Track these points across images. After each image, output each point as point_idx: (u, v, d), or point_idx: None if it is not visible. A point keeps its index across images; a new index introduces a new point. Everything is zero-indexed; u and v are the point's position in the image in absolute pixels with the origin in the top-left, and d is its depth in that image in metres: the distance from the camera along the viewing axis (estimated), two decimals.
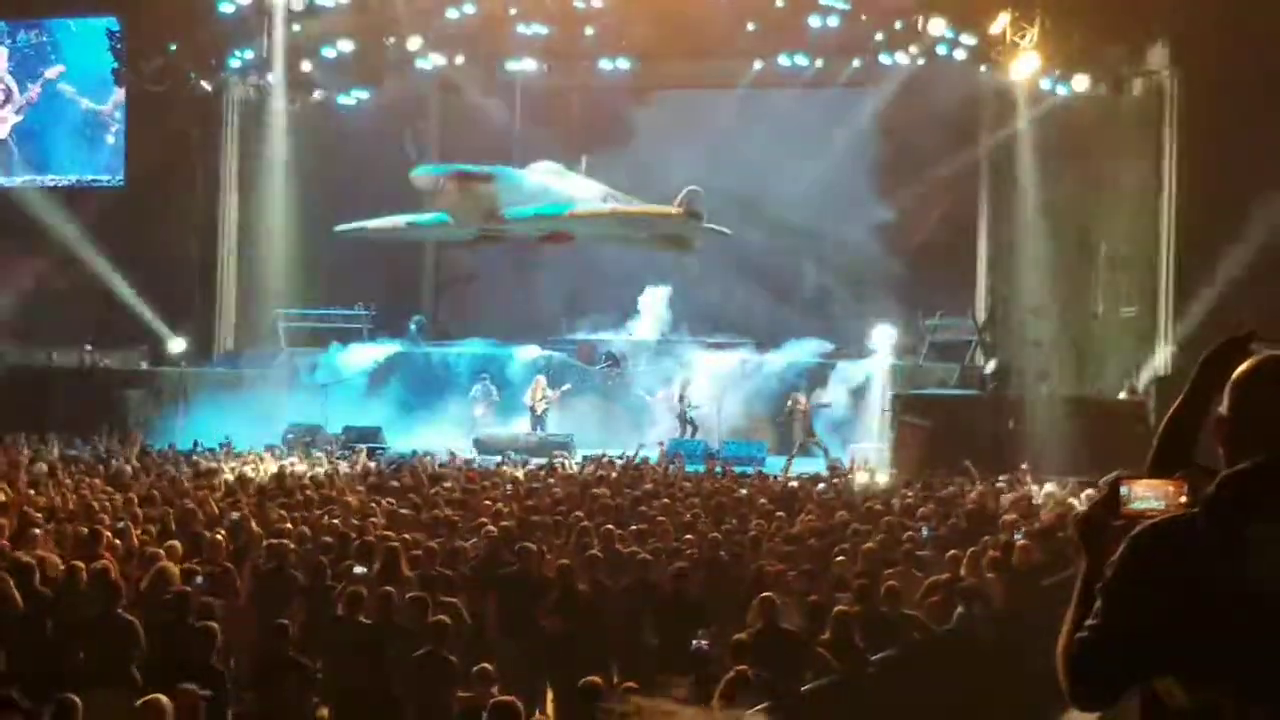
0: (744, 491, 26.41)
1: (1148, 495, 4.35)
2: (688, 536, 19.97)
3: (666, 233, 44.73)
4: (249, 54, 42.64)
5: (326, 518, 21.36)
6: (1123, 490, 4.36)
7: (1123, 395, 36.67)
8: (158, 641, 14.45)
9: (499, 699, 11.44)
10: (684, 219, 42.91)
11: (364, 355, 43.23)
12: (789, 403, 39.08)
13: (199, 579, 16.33)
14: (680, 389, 40.92)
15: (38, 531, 18.62)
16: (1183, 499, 4.30)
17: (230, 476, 27.16)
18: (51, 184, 44.79)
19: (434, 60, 43.14)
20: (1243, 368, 4.40)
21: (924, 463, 32.13)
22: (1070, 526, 4.58)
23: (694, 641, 14.86)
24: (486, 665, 13.24)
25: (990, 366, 38.63)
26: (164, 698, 11.80)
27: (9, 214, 43.34)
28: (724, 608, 16.70)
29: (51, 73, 45.44)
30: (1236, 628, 4.07)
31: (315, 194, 44.42)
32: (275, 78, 43.18)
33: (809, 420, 38.14)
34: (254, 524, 20.41)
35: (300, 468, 30.25)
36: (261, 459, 31.60)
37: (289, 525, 20.39)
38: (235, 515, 21.02)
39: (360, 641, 14.50)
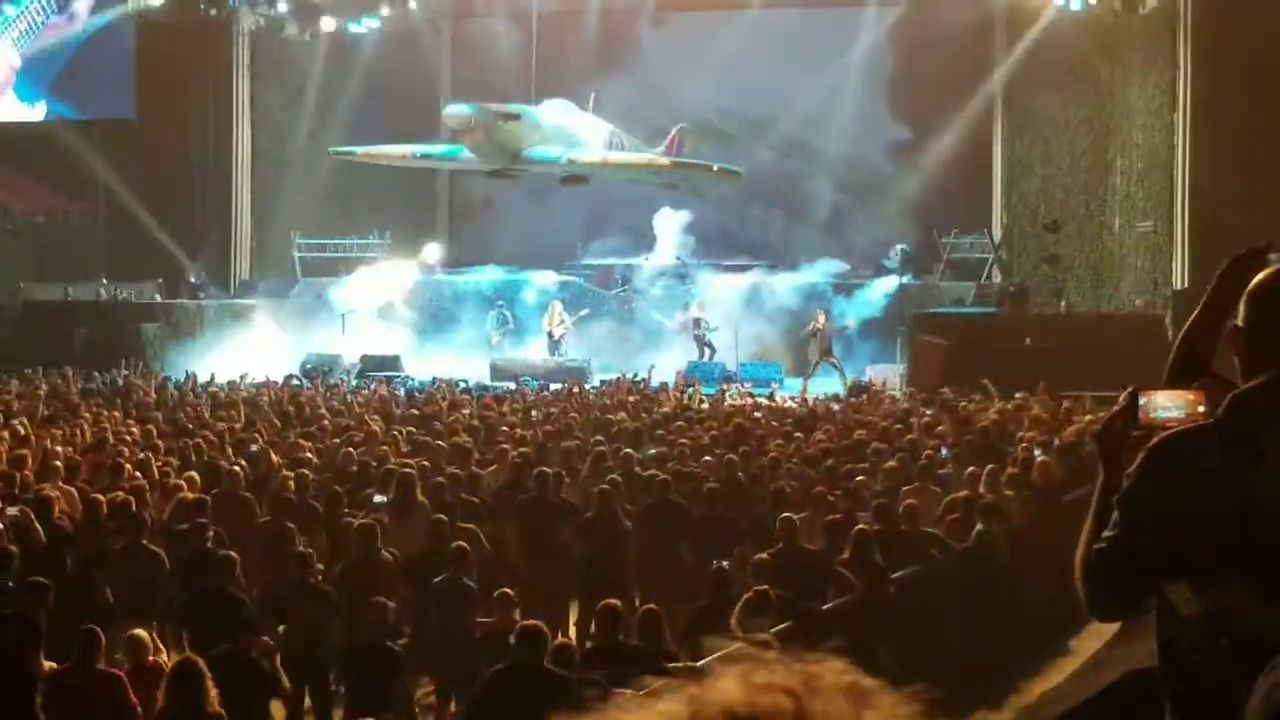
0: (759, 414, 26.45)
1: (1167, 405, 4.35)
2: (705, 459, 19.99)
3: (673, 181, 44.60)
4: None
5: (345, 446, 21.38)
6: (1141, 400, 4.35)
7: (1138, 308, 36.61)
8: (179, 572, 14.54)
9: (525, 623, 11.47)
10: (713, 173, 42.80)
11: (381, 284, 43.15)
12: (811, 323, 38.94)
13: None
14: (696, 312, 40.85)
15: (58, 464, 18.68)
16: (1201, 409, 4.29)
17: (244, 409, 27.17)
18: (63, 117, 44.62)
19: None
20: (1259, 278, 4.37)
21: (942, 381, 32.11)
22: (1089, 439, 4.58)
23: (715, 562, 14.91)
24: (508, 590, 13.27)
25: (1007, 283, 38.56)
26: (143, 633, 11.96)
27: (23, 147, 43.26)
28: (744, 529, 16.76)
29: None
30: (1249, 536, 4.08)
31: (328, 123, 44.35)
32: (285, 6, 43.06)
33: (827, 341, 38.03)
34: (273, 454, 20.47)
35: (318, 397, 30.30)
36: (279, 389, 31.63)
37: (308, 454, 20.46)
38: (254, 447, 21.08)
39: (378, 571, 14.56)
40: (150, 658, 11.86)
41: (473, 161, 43.06)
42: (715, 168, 43.02)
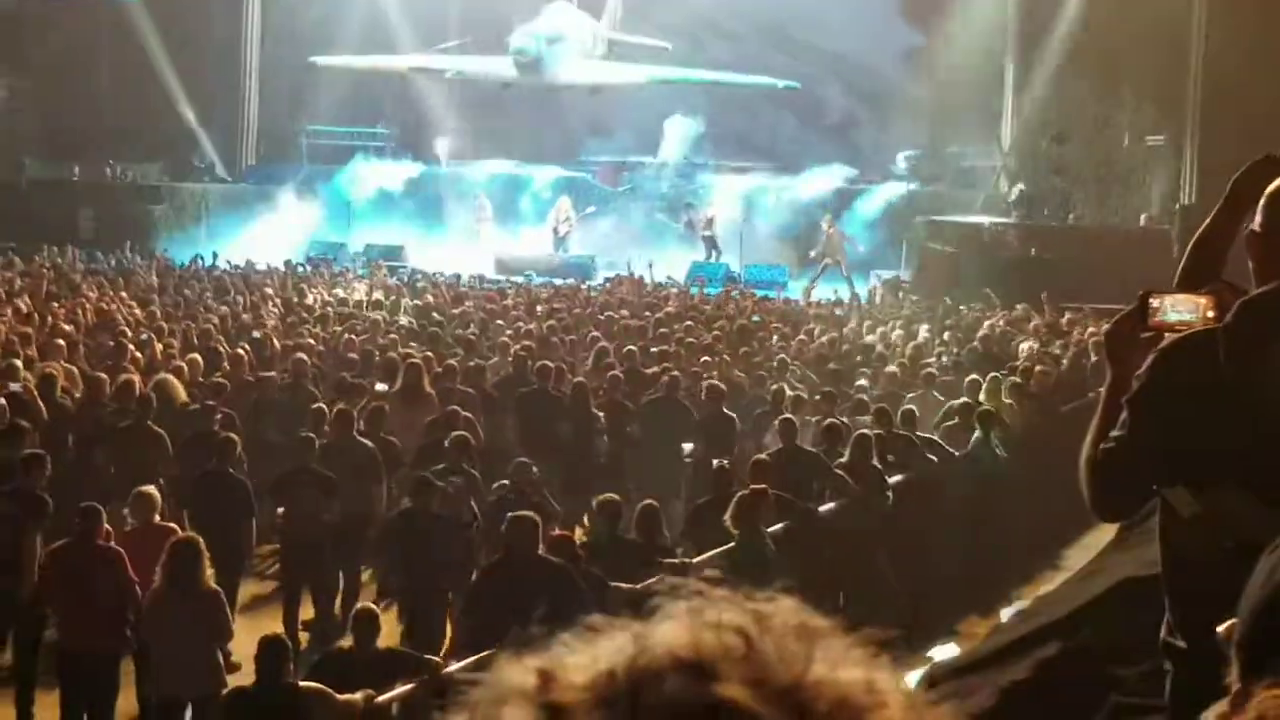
0: (757, 317, 26.46)
1: (1178, 308, 4.36)
2: (705, 359, 20.04)
3: None
4: None
5: (348, 335, 21.43)
6: (1153, 302, 4.36)
7: (1145, 223, 36.54)
8: (180, 453, 14.61)
9: (516, 513, 11.49)
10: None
11: (388, 174, 43.03)
12: (824, 225, 38.77)
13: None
14: (702, 212, 40.77)
15: (61, 343, 18.72)
16: (1212, 313, 4.30)
17: (247, 293, 27.18)
18: None
19: None
20: (1277, 183, 4.38)
21: (946, 289, 32.12)
22: (1100, 338, 4.60)
23: (714, 460, 14.97)
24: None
25: (1014, 193, 38.46)
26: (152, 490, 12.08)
27: (28, 28, 42.94)
28: (745, 428, 16.83)
29: None
30: (1254, 440, 4.11)
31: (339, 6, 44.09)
32: None
33: (835, 247, 37.88)
34: (275, 340, 20.52)
35: (323, 282, 30.33)
36: (283, 275, 31.62)
37: (310, 341, 20.52)
38: (257, 333, 21.13)
39: (380, 458, 14.64)
40: (156, 517, 11.97)
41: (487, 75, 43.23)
42: (780, 85, 43.05)
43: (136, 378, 16.28)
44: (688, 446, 15.91)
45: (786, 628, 1.27)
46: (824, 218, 38.57)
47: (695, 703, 1.21)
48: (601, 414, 16.74)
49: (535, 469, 14.03)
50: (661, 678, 1.23)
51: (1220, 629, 3.14)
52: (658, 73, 43.65)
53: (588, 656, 1.28)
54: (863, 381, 18.47)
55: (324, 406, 15.09)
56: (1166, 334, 4.33)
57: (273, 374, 17.72)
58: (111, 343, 18.97)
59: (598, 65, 42.56)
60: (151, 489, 12.16)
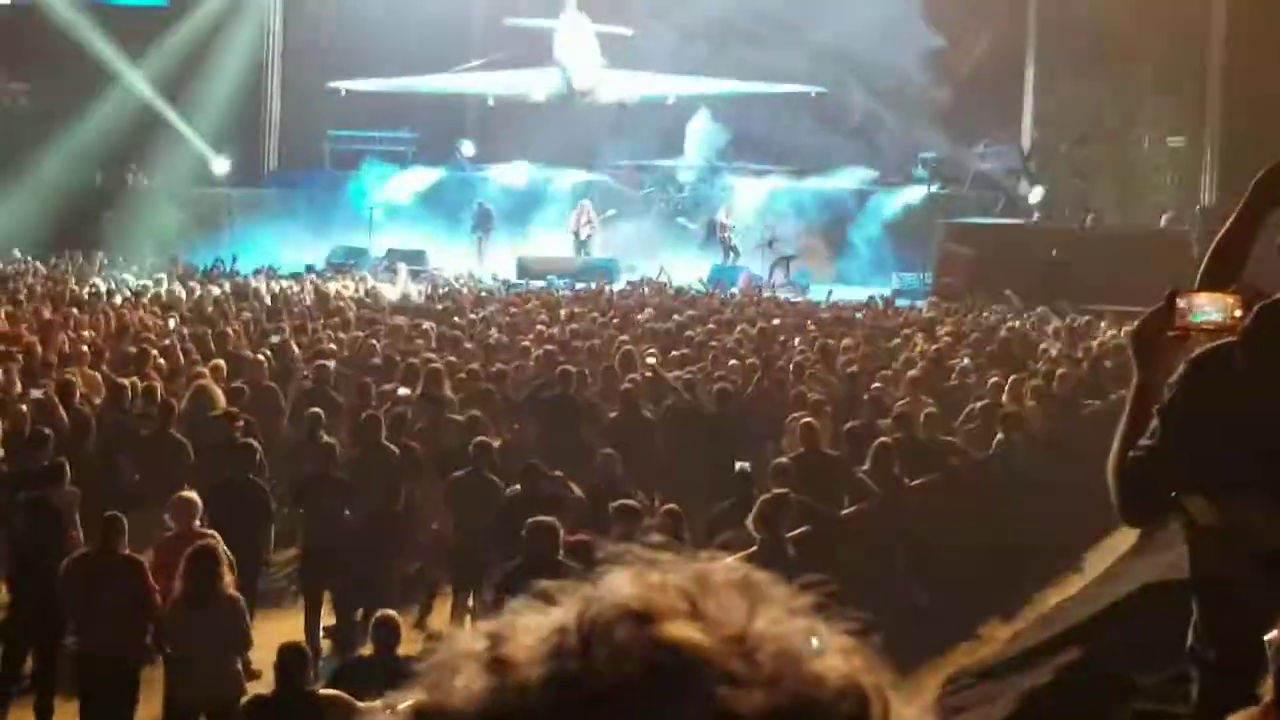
0: (777, 320, 26.44)
1: (1204, 307, 4.34)
2: (732, 362, 20.01)
3: None
4: None
5: (371, 339, 21.45)
6: (1180, 302, 4.34)
7: (1163, 225, 36.49)
8: (201, 459, 14.62)
9: (536, 519, 11.47)
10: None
11: (410, 179, 43.08)
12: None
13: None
14: (723, 215, 40.78)
15: (84, 349, 18.76)
16: (1239, 312, 4.29)
17: (269, 299, 27.23)
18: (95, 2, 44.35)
19: None
20: None
21: (967, 290, 32.13)
22: (1126, 339, 4.56)
23: (737, 463, 14.94)
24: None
25: (1035, 195, 38.45)
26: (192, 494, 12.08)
27: (52, 34, 43.04)
28: (767, 432, 16.81)
29: None
30: (1268, 446, 4.11)
31: (362, 12, 44.14)
32: None
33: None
34: (294, 346, 20.54)
35: (344, 289, 30.36)
36: (305, 280, 31.69)
37: (332, 346, 20.54)
38: (276, 338, 21.15)
39: (402, 462, 14.64)
40: (197, 522, 11.97)
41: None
42: (813, 92, 43.12)
43: (159, 383, 16.31)
44: (742, 464, 15.72)
45: (728, 584, 1.30)
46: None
47: (644, 645, 1.23)
48: (624, 418, 16.72)
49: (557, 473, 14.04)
50: (610, 627, 1.25)
51: (1268, 637, 3.14)
52: (689, 87, 43.59)
53: (538, 618, 1.30)
54: (882, 384, 18.42)
55: (327, 443, 14.95)
56: (1193, 334, 4.32)
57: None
58: (134, 349, 18.99)
59: (629, 79, 42.58)
60: (192, 494, 12.16)
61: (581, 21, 44.06)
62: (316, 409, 15.65)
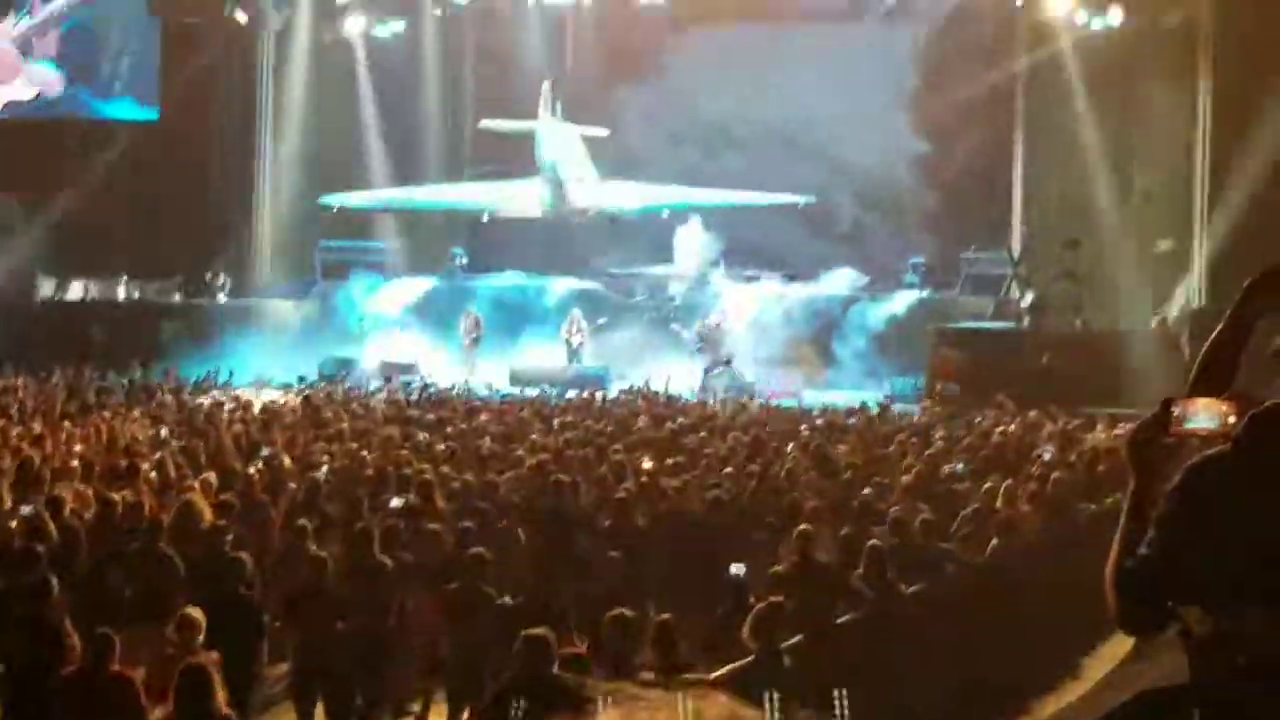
0: (770, 428, 26.45)
1: (1199, 414, 4.33)
2: (727, 470, 19.97)
3: None
4: None
5: (363, 451, 21.41)
6: (1174, 409, 4.34)
7: (1152, 328, 36.58)
8: (192, 575, 14.53)
9: (530, 631, 11.41)
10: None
11: (401, 289, 43.15)
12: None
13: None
14: (715, 321, 40.85)
15: (74, 464, 18.72)
16: (1232, 419, 4.28)
17: (260, 411, 27.20)
18: (87, 116, 44.62)
19: None
20: None
21: (960, 395, 32.20)
22: (1121, 446, 4.56)
23: (732, 569, 14.86)
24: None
25: (1027, 300, 38.55)
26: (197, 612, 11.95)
27: (45, 145, 43.29)
28: (761, 539, 16.74)
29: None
30: (1265, 558, 4.09)
31: (349, 127, 44.37)
32: (310, 8, 43.14)
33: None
34: (286, 459, 20.50)
35: (336, 399, 30.36)
36: (295, 391, 31.68)
37: (324, 459, 20.50)
38: (266, 451, 21.09)
39: (393, 576, 14.56)
40: (201, 638, 11.85)
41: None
42: (801, 202, 43.25)
43: (147, 499, 16.25)
44: (736, 568, 15.59)
45: None
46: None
47: None
48: (617, 528, 16.66)
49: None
50: None
51: None
52: (681, 196, 43.68)
53: None
54: (869, 490, 18.37)
55: (318, 556, 14.84)
56: (1190, 441, 4.31)
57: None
58: (125, 463, 18.94)
59: (623, 191, 42.70)
60: (196, 612, 12.04)
61: (563, 127, 44.27)
62: (306, 521, 15.60)
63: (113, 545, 15.11)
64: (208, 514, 16.08)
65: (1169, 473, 4.34)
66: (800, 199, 43.32)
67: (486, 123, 45.46)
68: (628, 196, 43.28)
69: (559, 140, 43.73)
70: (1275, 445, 4.17)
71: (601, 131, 44.23)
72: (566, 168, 42.25)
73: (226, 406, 27.57)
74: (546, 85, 45.31)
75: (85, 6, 45.07)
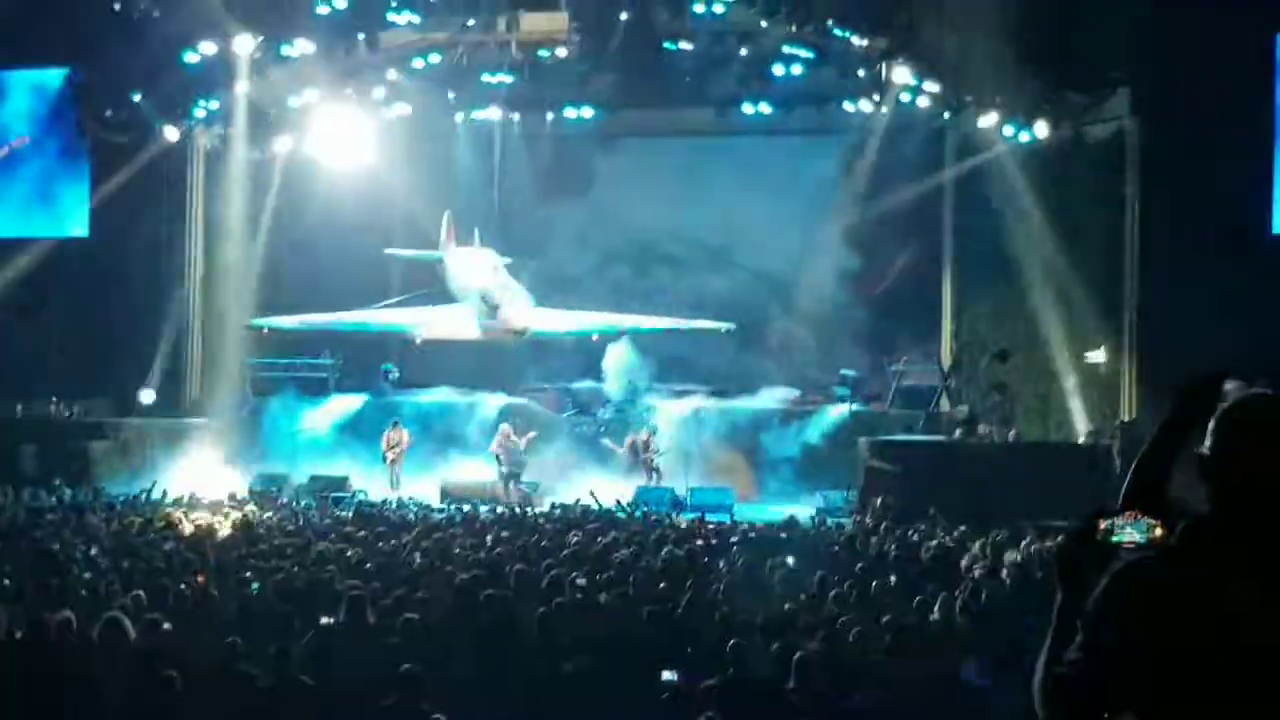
0: (707, 542, 26.45)
1: (1126, 528, 4.38)
2: (661, 585, 19.95)
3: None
4: (214, 103, 42.62)
5: (294, 568, 21.29)
6: (1101, 524, 4.39)
7: (1083, 440, 36.75)
8: (120, 692, 14.39)
9: None
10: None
11: (332, 406, 43.07)
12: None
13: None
14: (645, 436, 40.89)
15: (5, 583, 18.57)
16: (1159, 531, 4.33)
17: (191, 528, 27.03)
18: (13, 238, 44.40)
19: (399, 109, 43.56)
20: (1226, 406, 4.42)
21: (891, 508, 32.30)
22: (1051, 559, 4.62)
23: (664, 675, 14.80)
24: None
25: (959, 412, 38.75)
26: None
27: None
28: (695, 652, 16.69)
29: (17, 143, 45.05)
30: (1199, 672, 4.11)
31: (282, 243, 44.36)
32: (239, 128, 43.20)
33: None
34: (213, 585, 20.34)
35: (267, 516, 30.23)
36: (226, 508, 31.54)
37: (252, 575, 20.39)
38: (199, 575, 20.91)
39: (326, 693, 14.44)
40: None
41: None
42: (725, 328, 43.27)
43: (72, 617, 16.09)
44: (668, 675, 15.59)
45: None
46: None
47: None
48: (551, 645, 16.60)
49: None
50: None
51: None
52: (608, 321, 43.59)
53: None
54: (809, 602, 18.38)
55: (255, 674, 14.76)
56: (1119, 553, 4.35)
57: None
58: (55, 580, 18.78)
59: (550, 317, 42.62)
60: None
61: (480, 253, 44.24)
62: (234, 638, 15.48)
63: (40, 666, 14.96)
64: (129, 633, 15.94)
65: (1095, 585, 4.37)
66: (723, 325, 43.27)
67: (391, 251, 45.38)
68: (558, 322, 43.07)
69: (478, 266, 43.40)
70: (1198, 560, 4.21)
71: (505, 260, 44.02)
72: (496, 293, 41.98)
73: (157, 525, 27.37)
74: (447, 215, 45.38)
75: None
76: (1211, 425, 4.43)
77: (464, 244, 44.93)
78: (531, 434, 41.38)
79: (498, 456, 40.58)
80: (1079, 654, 4.28)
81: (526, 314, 39.85)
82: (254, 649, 15.57)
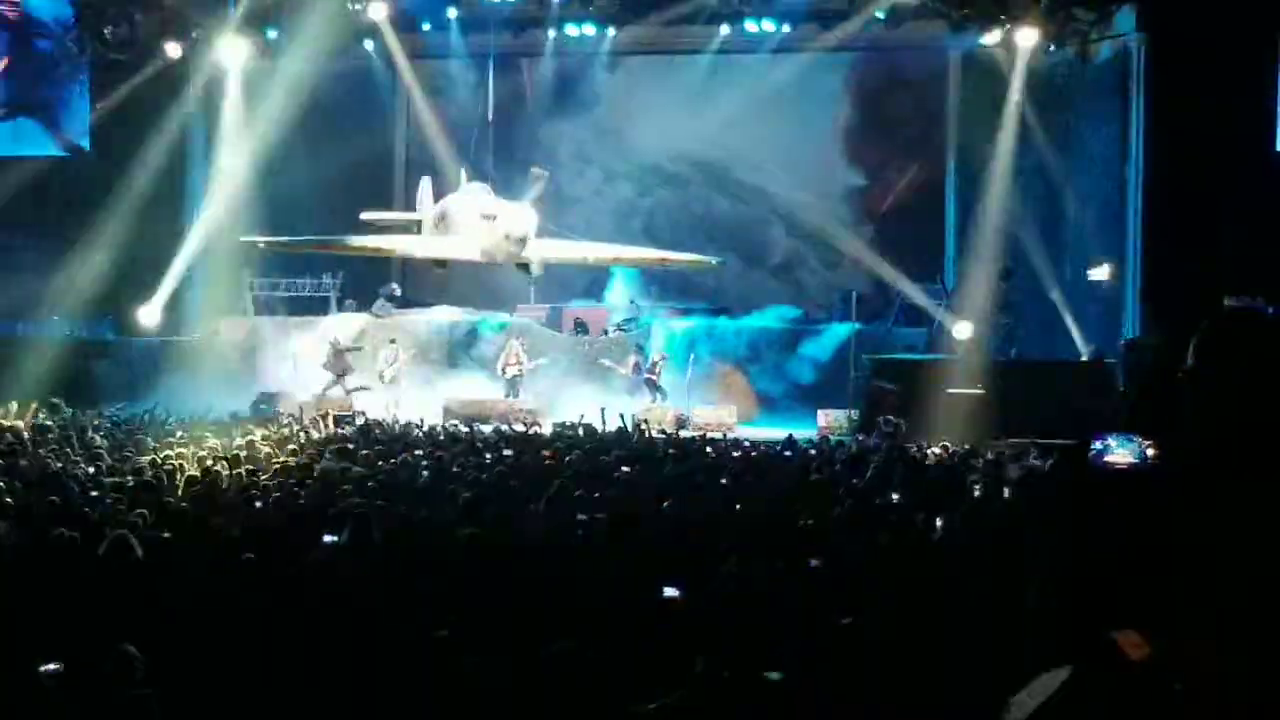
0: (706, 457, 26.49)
1: (1119, 448, 4.39)
2: (665, 504, 19.97)
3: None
4: (215, 19, 42.50)
5: (297, 486, 21.30)
6: (1095, 443, 4.39)
7: (1086, 358, 36.77)
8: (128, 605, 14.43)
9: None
10: (710, 264, 42.71)
11: (335, 325, 42.91)
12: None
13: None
14: (653, 357, 40.81)
15: (9, 501, 18.59)
16: (1152, 451, 4.34)
17: (194, 448, 27.04)
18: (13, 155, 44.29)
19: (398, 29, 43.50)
20: (1209, 321, 4.41)
21: (896, 426, 32.36)
22: (1047, 476, 4.63)
23: (666, 592, 14.80)
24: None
25: (960, 330, 38.72)
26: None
27: None
28: (695, 565, 16.72)
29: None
30: (1202, 582, 4.11)
31: (286, 160, 44.19)
32: (239, 45, 43.03)
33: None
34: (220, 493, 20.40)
35: (267, 435, 30.23)
36: (228, 428, 31.54)
37: (258, 493, 20.42)
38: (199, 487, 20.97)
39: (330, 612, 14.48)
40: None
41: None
42: (715, 261, 42.76)
43: (77, 536, 16.13)
44: (670, 591, 15.57)
45: None
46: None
47: None
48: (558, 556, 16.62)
49: None
50: None
51: None
52: (606, 253, 42.82)
53: None
54: (811, 521, 18.37)
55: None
56: (1110, 473, 4.35)
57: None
58: (56, 499, 18.79)
59: (553, 245, 41.78)
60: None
61: (471, 188, 42.79)
62: (249, 555, 15.51)
63: (49, 581, 15.00)
64: (138, 549, 15.97)
65: (1090, 503, 4.37)
66: (713, 259, 42.79)
67: (367, 215, 44.31)
68: (551, 251, 42.01)
69: (469, 199, 42.07)
70: (1203, 471, 4.21)
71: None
72: (491, 205, 40.90)
73: (160, 443, 27.39)
74: (425, 181, 44.40)
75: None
76: (1194, 339, 4.43)
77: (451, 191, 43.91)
78: (541, 360, 41.11)
79: (502, 371, 40.52)
80: (1071, 570, 4.28)
81: (525, 219, 39.09)
82: (259, 567, 15.61)
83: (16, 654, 12.08)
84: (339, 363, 40.38)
